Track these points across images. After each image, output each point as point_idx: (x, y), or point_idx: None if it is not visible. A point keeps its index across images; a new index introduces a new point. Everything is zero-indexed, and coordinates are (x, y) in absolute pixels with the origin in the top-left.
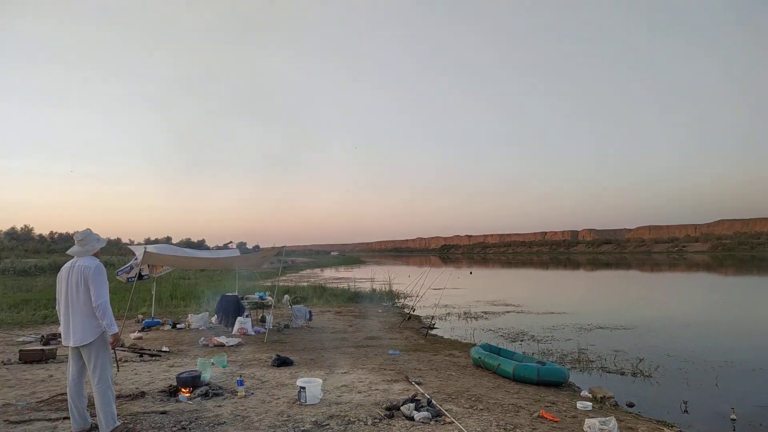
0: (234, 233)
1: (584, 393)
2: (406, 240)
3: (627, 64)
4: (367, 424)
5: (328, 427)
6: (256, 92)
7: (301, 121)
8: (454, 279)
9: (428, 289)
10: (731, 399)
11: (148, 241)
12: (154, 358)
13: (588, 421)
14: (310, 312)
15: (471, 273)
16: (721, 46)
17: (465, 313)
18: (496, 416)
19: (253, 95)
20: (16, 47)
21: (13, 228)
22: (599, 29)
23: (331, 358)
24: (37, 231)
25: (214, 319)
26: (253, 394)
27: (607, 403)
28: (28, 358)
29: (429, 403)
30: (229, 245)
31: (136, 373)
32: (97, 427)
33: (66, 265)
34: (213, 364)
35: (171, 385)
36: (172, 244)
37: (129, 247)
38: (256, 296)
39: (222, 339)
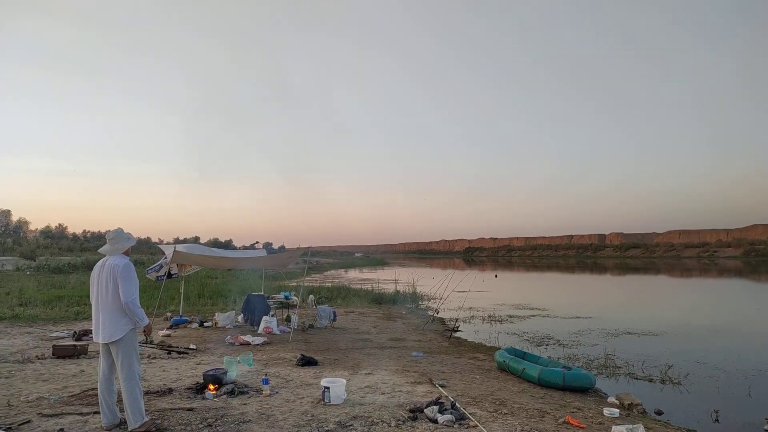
0: (261, 234)
1: (611, 399)
2: (430, 242)
3: (660, 66)
4: (390, 426)
5: (351, 427)
6: (286, 92)
7: (332, 122)
8: (479, 282)
9: (452, 292)
10: (765, 409)
11: (177, 241)
12: (181, 355)
13: (615, 429)
14: (334, 312)
15: (496, 276)
16: (749, 47)
17: (489, 317)
18: (520, 421)
19: (282, 95)
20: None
21: (48, 227)
22: (637, 34)
23: (355, 359)
24: (70, 230)
25: (240, 318)
26: (277, 392)
27: (634, 410)
28: (61, 353)
29: (453, 406)
30: (256, 245)
31: (164, 370)
32: (126, 422)
33: (98, 263)
34: (239, 362)
35: (198, 383)
36: (200, 243)
37: (159, 246)
38: (281, 296)
39: (248, 338)
